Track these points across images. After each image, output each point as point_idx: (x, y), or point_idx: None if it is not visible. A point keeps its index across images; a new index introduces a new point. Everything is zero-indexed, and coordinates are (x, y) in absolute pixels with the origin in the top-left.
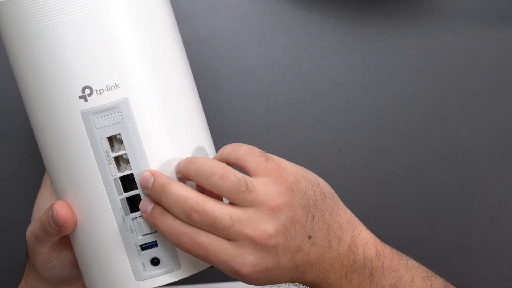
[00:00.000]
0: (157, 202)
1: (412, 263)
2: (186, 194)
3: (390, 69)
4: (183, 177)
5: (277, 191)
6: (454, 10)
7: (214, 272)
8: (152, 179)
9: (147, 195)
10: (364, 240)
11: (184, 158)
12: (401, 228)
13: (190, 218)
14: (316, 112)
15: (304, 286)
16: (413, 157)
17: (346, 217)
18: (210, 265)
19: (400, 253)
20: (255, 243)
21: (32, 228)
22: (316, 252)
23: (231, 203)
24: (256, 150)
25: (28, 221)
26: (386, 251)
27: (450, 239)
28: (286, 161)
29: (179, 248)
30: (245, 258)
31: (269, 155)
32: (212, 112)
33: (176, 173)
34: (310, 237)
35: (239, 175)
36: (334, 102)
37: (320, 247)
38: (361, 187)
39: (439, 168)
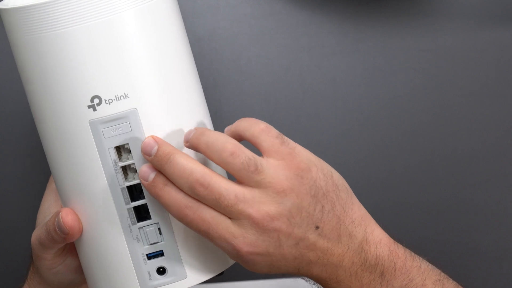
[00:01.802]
0: (159, 172)
1: (425, 265)
2: (193, 166)
3: (390, 69)
4: (191, 147)
5: (286, 175)
6: (454, 10)
7: None
8: (156, 146)
9: (149, 162)
10: (378, 239)
11: (194, 128)
12: (401, 227)
13: (194, 191)
14: (316, 112)
15: (314, 282)
16: (412, 157)
17: (359, 213)
18: (216, 274)
19: (413, 254)
20: (257, 224)
21: (37, 234)
22: (323, 244)
23: (238, 182)
24: (273, 131)
25: (30, 224)
26: (399, 252)
27: (450, 238)
28: (301, 147)
29: (181, 221)
30: (245, 238)
31: (286, 138)
32: (212, 112)
33: (184, 142)
34: (317, 227)
35: (250, 154)
36: (334, 102)
37: (328, 240)
38: (360, 186)
39: (438, 168)
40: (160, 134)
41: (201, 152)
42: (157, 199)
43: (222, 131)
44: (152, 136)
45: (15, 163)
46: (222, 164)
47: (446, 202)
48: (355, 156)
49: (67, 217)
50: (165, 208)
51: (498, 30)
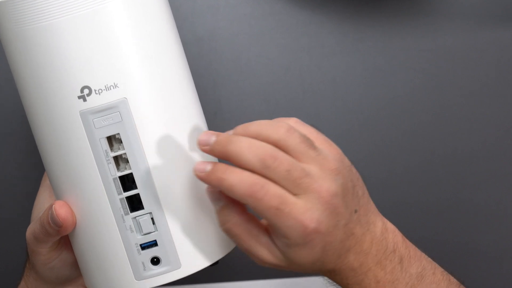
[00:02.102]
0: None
1: (428, 257)
2: (258, 142)
3: (390, 69)
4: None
5: (332, 155)
6: (454, 10)
7: (214, 272)
8: (214, 136)
9: (209, 152)
10: (392, 228)
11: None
12: (401, 227)
13: (265, 163)
14: (316, 111)
15: (331, 282)
16: (412, 157)
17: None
18: (210, 264)
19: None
20: (322, 199)
21: (32, 229)
22: (360, 229)
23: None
24: (296, 134)
25: (27, 221)
26: (408, 241)
27: (450, 238)
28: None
29: (248, 200)
30: (313, 213)
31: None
32: (212, 112)
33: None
34: (356, 211)
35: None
36: (334, 102)
37: (361, 225)
38: None
39: (438, 168)
40: (151, 123)
41: (254, 137)
42: (219, 184)
43: (222, 129)
44: (205, 132)
45: (12, 161)
46: (281, 140)
47: (446, 202)
48: (355, 156)
49: (60, 210)
50: (230, 191)
51: (498, 30)
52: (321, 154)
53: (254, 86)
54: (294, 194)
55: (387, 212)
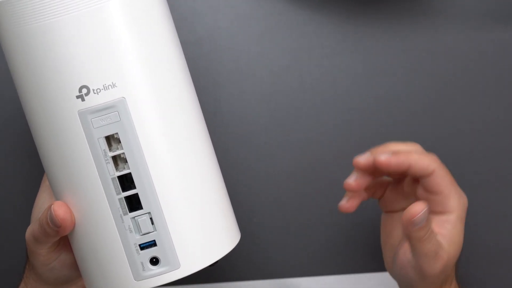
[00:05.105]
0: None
1: None
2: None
3: (390, 69)
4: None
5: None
6: (454, 10)
7: (214, 272)
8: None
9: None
10: None
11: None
12: None
13: (437, 162)
14: (316, 112)
15: None
16: None
17: None
18: (209, 264)
19: None
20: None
21: (31, 229)
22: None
23: None
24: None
25: (27, 222)
26: None
27: None
28: None
29: (433, 167)
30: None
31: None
32: (212, 112)
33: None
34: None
35: None
36: (334, 102)
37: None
38: None
39: None
40: (150, 123)
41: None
42: (407, 159)
43: (222, 129)
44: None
45: (12, 162)
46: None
47: None
48: (355, 155)
49: (59, 210)
50: (416, 163)
51: (498, 30)
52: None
53: (254, 86)
54: None
55: None
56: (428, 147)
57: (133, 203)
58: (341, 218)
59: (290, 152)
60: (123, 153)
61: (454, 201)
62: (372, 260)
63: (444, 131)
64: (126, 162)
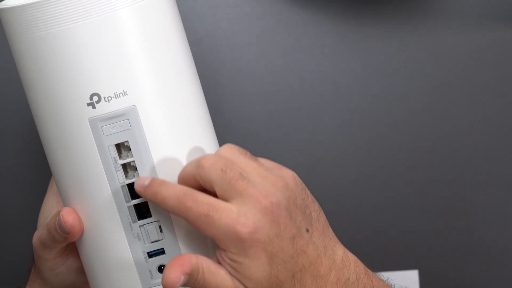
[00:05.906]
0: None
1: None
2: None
3: (390, 69)
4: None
5: (284, 173)
6: (454, 10)
7: None
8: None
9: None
10: (354, 258)
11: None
12: (402, 227)
13: (198, 164)
14: (316, 112)
15: None
16: (413, 157)
17: (333, 233)
18: None
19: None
20: (259, 204)
21: (38, 234)
22: (313, 250)
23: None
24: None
25: (32, 225)
26: (370, 271)
27: (450, 238)
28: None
29: (180, 211)
30: (248, 218)
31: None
32: (212, 112)
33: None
34: (307, 230)
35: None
36: (334, 102)
37: (316, 248)
38: (361, 187)
39: (438, 168)
40: (160, 131)
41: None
42: (154, 198)
43: (222, 129)
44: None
45: (16, 164)
46: (223, 148)
47: (446, 202)
48: (355, 156)
49: (68, 216)
50: (163, 204)
51: (498, 30)
52: (264, 167)
53: (254, 86)
54: (228, 200)
55: (387, 212)
56: (428, 147)
57: (142, 211)
58: (341, 218)
59: (290, 151)
60: (133, 161)
61: (223, 237)
62: (372, 260)
63: (444, 131)
64: (136, 170)
